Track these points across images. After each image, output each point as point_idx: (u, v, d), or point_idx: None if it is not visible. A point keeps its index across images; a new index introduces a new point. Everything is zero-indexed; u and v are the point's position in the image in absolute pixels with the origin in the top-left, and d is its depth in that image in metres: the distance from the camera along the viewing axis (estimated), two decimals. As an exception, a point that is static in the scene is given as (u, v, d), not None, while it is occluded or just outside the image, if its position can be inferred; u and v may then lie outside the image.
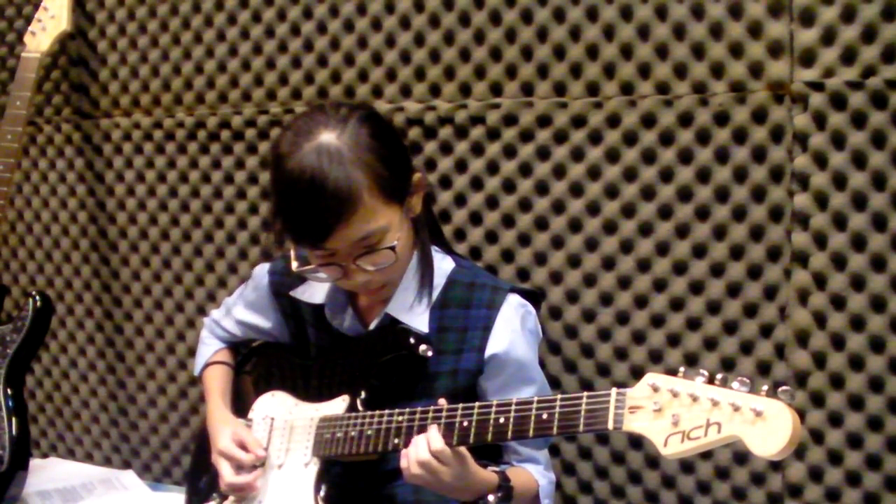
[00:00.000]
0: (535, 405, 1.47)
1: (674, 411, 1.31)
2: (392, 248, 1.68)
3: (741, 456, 1.92)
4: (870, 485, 1.82)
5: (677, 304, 1.95)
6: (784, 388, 1.26)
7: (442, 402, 1.61)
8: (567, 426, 1.43)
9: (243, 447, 1.79)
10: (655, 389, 1.34)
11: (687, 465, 1.98)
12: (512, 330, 1.76)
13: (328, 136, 1.65)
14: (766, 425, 1.25)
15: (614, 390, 1.38)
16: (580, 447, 2.09)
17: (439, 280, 1.80)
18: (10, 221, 2.70)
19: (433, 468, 1.57)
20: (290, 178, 1.65)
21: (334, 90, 2.23)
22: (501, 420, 1.50)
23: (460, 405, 1.56)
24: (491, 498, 1.62)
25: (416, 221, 1.79)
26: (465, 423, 1.54)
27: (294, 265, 1.78)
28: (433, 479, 1.58)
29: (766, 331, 1.89)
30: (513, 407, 1.50)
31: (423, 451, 1.57)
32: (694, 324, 1.94)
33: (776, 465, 1.89)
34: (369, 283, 1.74)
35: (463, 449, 1.58)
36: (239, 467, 1.78)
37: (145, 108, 2.48)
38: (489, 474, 1.64)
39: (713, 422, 1.29)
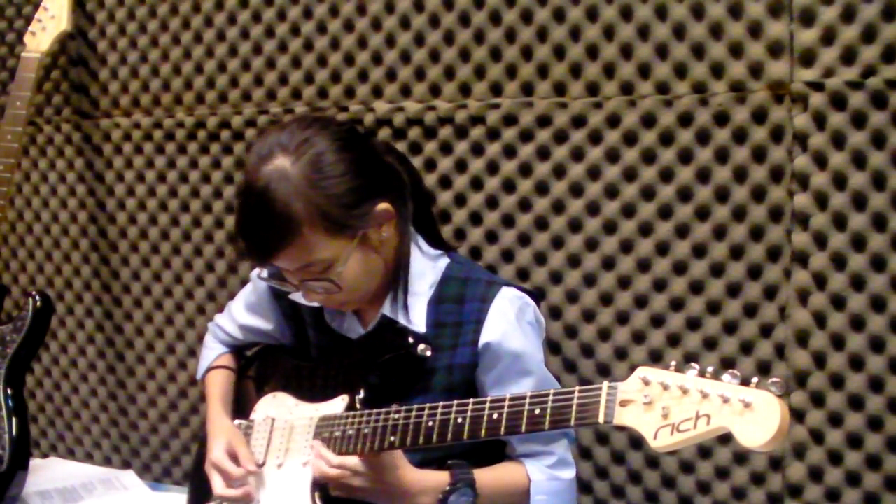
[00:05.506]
0: (527, 401, 1.46)
1: (664, 404, 1.31)
2: (333, 281, 1.68)
3: (741, 456, 1.92)
4: (870, 485, 1.81)
5: (677, 304, 1.95)
6: (774, 379, 1.25)
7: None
8: (559, 421, 1.42)
9: (236, 459, 1.80)
10: (646, 383, 1.33)
11: (687, 465, 1.98)
12: (507, 322, 1.75)
13: (283, 162, 1.65)
14: (754, 416, 1.24)
15: (605, 384, 1.37)
16: (580, 447, 2.08)
17: (435, 277, 1.80)
18: (10, 221, 2.71)
19: (345, 481, 1.62)
20: (242, 195, 1.70)
21: (334, 90, 2.23)
22: (495, 416, 1.49)
23: (455, 402, 1.56)
24: (450, 493, 1.63)
25: (401, 234, 1.77)
26: (460, 420, 1.54)
27: (258, 272, 1.83)
28: (358, 491, 1.63)
29: (766, 331, 1.88)
30: (506, 403, 1.49)
31: (323, 466, 1.63)
32: (694, 324, 1.94)
33: (776, 465, 1.89)
34: (325, 301, 1.76)
35: (388, 455, 1.62)
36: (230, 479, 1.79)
37: (145, 108, 2.48)
38: (438, 474, 1.66)
39: (702, 414, 1.28)
